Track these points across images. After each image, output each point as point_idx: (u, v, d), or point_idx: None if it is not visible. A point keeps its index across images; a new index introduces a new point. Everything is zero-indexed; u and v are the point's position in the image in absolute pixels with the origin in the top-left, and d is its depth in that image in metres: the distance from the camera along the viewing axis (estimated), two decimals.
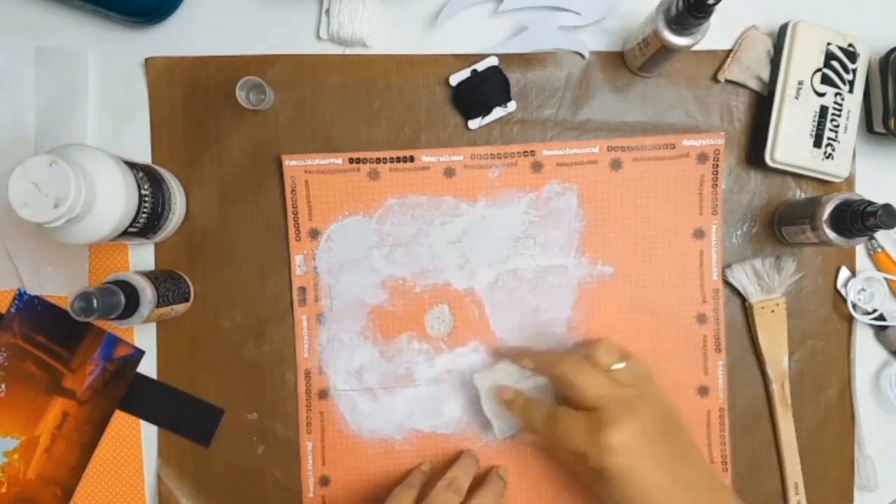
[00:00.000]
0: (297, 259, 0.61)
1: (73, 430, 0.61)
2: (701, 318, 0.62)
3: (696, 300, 0.62)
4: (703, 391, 0.62)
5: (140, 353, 0.62)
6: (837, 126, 0.60)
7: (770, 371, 0.62)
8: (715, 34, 0.63)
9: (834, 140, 0.60)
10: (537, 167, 0.61)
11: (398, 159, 0.61)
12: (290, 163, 0.61)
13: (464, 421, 0.62)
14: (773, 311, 0.62)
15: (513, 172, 0.61)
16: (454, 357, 0.62)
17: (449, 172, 0.61)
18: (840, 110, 0.60)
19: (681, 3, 0.51)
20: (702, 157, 0.62)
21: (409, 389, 0.62)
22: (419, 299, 0.62)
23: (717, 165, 0.62)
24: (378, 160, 0.61)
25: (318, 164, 0.61)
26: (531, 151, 0.61)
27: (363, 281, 0.61)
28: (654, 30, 0.54)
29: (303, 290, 0.61)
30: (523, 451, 0.62)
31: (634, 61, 0.61)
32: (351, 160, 0.61)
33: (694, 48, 0.62)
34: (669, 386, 0.61)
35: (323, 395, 0.62)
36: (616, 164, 0.62)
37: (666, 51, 0.56)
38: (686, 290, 0.62)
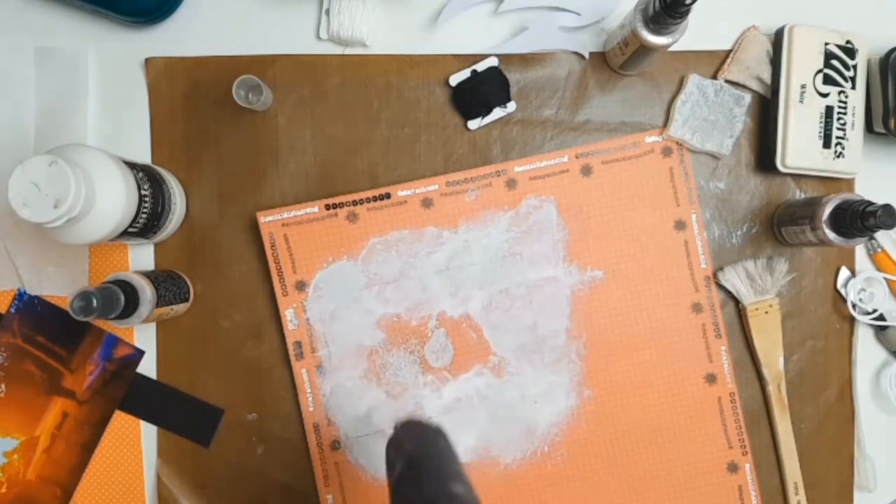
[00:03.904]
0: (288, 314, 0.61)
1: (72, 431, 0.61)
2: (696, 307, 0.62)
3: (688, 290, 0.62)
4: (711, 378, 0.62)
5: (140, 354, 0.62)
6: (844, 124, 0.61)
7: (766, 372, 0.62)
8: (715, 34, 0.63)
9: (843, 138, 0.60)
10: (512, 184, 0.61)
11: (374, 198, 0.61)
12: (266, 219, 0.60)
13: (481, 447, 0.62)
14: (766, 312, 0.62)
15: (489, 193, 0.61)
16: (460, 384, 0.62)
17: (426, 203, 0.61)
18: (845, 108, 0.61)
19: (657, 4, 0.51)
20: (666, 151, 0.62)
21: None
22: (416, 333, 0.62)
23: (683, 156, 0.62)
24: (354, 202, 0.61)
25: (295, 216, 0.60)
26: (503, 170, 0.61)
27: (358, 324, 0.61)
28: (633, 30, 0.54)
29: (298, 343, 0.61)
30: (544, 467, 0.62)
31: (615, 60, 0.61)
32: (327, 206, 0.61)
33: (694, 48, 0.62)
34: (677, 378, 0.62)
35: (335, 445, 0.61)
36: (587, 170, 0.62)
37: (645, 49, 0.56)
38: (677, 281, 0.62)
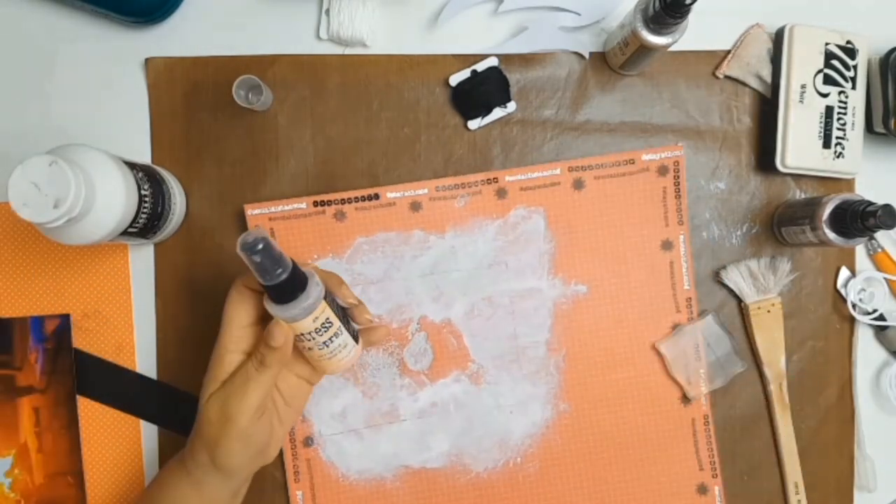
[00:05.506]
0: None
1: (50, 419, 0.61)
2: (677, 328, 0.62)
3: (670, 311, 0.62)
4: (687, 400, 0.62)
5: (66, 317, 0.61)
6: (844, 124, 0.61)
7: (767, 371, 0.62)
8: (715, 34, 0.63)
9: (843, 139, 0.61)
10: (502, 193, 0.61)
11: (363, 198, 0.61)
12: (253, 212, 0.60)
13: (453, 454, 0.62)
14: (769, 311, 0.62)
15: (478, 201, 0.61)
16: (437, 389, 0.61)
17: (415, 206, 0.61)
18: (845, 108, 0.61)
19: (657, 4, 0.51)
20: (662, 170, 0.62)
21: (394, 426, 0.61)
22: (397, 334, 0.61)
23: (678, 176, 0.62)
24: (343, 201, 0.60)
25: (283, 211, 0.60)
26: (494, 179, 0.61)
27: None
28: (633, 30, 0.54)
29: None
30: (515, 478, 0.62)
31: (615, 60, 0.61)
32: (315, 203, 0.60)
33: (694, 48, 0.62)
34: (653, 398, 0.62)
35: (308, 441, 0.61)
36: (578, 184, 0.62)
37: (645, 49, 0.56)
38: (659, 301, 0.62)
